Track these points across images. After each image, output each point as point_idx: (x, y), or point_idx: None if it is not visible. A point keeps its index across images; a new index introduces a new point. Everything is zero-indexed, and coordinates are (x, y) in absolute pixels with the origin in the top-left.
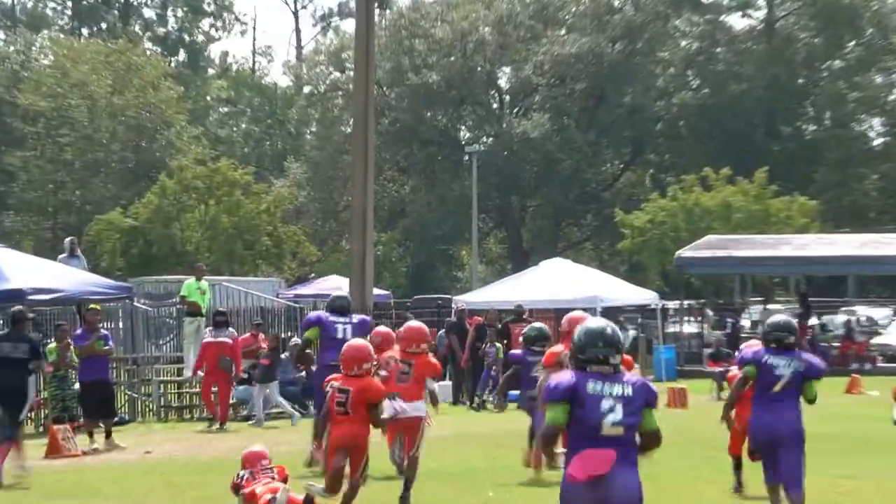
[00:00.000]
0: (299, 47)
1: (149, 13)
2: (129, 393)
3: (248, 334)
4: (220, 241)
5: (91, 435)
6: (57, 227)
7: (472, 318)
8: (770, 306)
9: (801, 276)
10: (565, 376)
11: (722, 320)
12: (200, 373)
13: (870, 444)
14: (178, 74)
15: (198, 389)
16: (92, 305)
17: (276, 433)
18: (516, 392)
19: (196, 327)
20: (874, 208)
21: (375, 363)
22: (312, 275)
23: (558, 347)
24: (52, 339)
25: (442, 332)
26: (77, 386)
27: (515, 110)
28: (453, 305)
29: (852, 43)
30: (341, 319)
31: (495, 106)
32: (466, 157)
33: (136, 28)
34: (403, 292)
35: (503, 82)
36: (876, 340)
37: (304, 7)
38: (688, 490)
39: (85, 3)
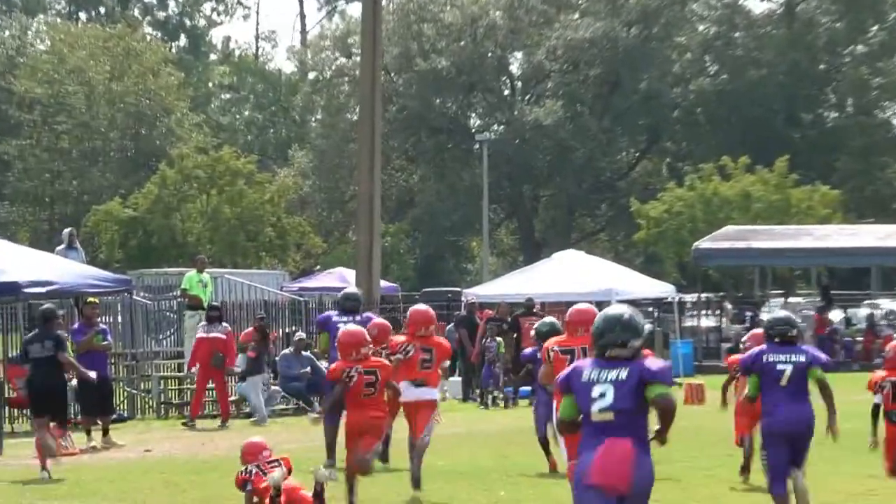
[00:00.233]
0: (304, 32)
1: None
2: (127, 389)
3: (250, 329)
4: (222, 233)
5: (88, 433)
6: (54, 218)
7: (482, 312)
8: (791, 299)
9: (823, 269)
10: (567, 369)
11: (741, 314)
12: (193, 370)
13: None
14: (179, 60)
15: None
16: (90, 299)
17: (280, 428)
18: (528, 388)
19: (197, 321)
20: None
21: (384, 347)
22: (318, 267)
23: (551, 340)
24: None
25: (451, 325)
26: (74, 382)
27: (527, 97)
28: (463, 299)
29: (875, 27)
30: (344, 318)
31: (506, 92)
32: (477, 146)
33: (136, 12)
34: (412, 285)
35: (515, 68)
36: None
37: None
38: (704, 490)
39: None
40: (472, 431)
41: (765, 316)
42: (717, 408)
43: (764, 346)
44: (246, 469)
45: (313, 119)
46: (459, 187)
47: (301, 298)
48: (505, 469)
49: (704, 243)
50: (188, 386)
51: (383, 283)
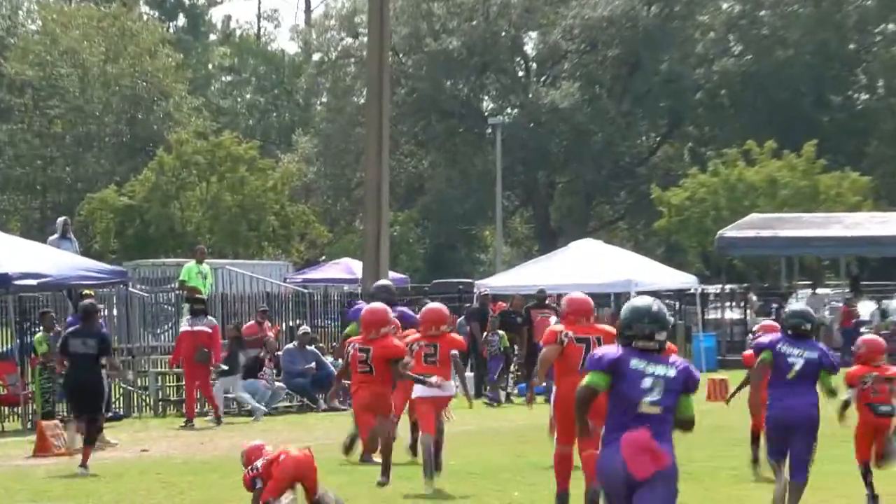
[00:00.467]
0: (308, 11)
1: None
2: (123, 386)
3: (252, 322)
4: (222, 222)
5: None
6: (46, 207)
7: (495, 305)
8: (819, 291)
9: (853, 258)
10: (611, 349)
11: (767, 306)
12: (176, 368)
13: None
14: (177, 41)
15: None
16: (86, 291)
17: (283, 426)
18: (543, 385)
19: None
20: None
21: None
22: (323, 258)
23: (558, 326)
24: (40, 328)
25: (461, 318)
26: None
27: (543, 79)
28: (475, 290)
29: None
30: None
31: (521, 74)
32: (490, 130)
33: None
34: (421, 276)
35: (529, 48)
36: None
37: None
38: (727, 490)
39: None
40: (484, 429)
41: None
42: (742, 405)
43: (780, 336)
44: (252, 467)
45: (318, 102)
46: (471, 173)
47: (305, 290)
48: (519, 468)
49: (728, 232)
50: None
51: (391, 275)
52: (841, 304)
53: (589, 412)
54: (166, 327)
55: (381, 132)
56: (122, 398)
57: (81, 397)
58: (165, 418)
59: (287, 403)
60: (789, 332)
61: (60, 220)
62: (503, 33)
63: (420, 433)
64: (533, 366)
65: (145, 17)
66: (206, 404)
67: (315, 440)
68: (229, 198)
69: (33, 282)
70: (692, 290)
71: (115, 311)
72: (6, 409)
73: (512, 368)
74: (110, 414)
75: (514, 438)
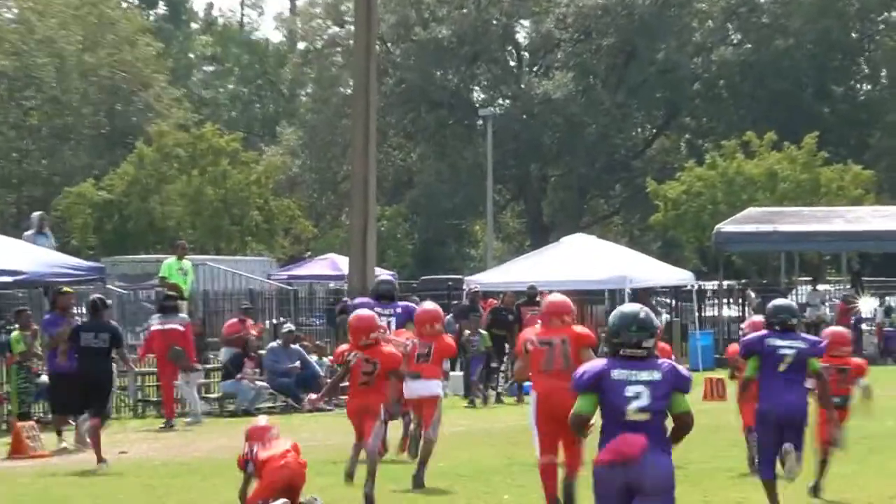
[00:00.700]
0: None
1: None
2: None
3: (234, 320)
4: (204, 216)
5: (60, 433)
6: (21, 201)
7: (485, 301)
8: (820, 287)
9: (855, 254)
10: (593, 365)
11: (765, 303)
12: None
13: None
14: (158, 29)
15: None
16: (65, 289)
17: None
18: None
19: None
20: None
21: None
22: (308, 254)
23: (529, 332)
24: (16, 326)
25: (450, 316)
26: (44, 378)
27: (535, 69)
28: (465, 287)
29: None
30: (386, 311)
31: (512, 64)
32: (480, 122)
33: None
34: (410, 272)
35: (521, 37)
36: None
37: None
38: (725, 493)
39: None
40: (474, 430)
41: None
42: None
43: (766, 332)
44: (249, 449)
45: (303, 93)
46: (461, 166)
47: (290, 287)
48: (509, 471)
49: (726, 227)
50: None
51: (378, 271)
52: (840, 301)
53: (587, 434)
54: (145, 325)
55: (368, 124)
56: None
57: (90, 391)
58: (145, 419)
59: (270, 404)
60: (777, 327)
61: (36, 214)
62: (494, 22)
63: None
64: None
65: (124, 5)
66: (186, 405)
67: (300, 441)
68: (211, 192)
69: (9, 279)
70: (689, 287)
71: None
72: None
73: (503, 368)
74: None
75: (504, 439)
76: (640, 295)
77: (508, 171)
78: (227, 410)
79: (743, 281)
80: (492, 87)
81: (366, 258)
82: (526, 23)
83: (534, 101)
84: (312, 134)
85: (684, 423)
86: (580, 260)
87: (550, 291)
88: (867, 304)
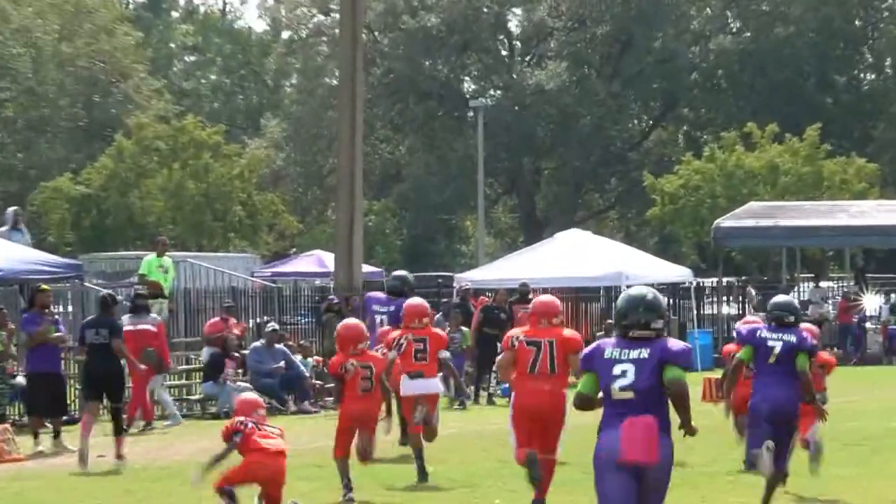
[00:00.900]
0: None
1: None
2: (78, 388)
3: (216, 319)
4: (185, 212)
5: (36, 436)
6: None
7: (477, 299)
8: (822, 284)
9: (859, 249)
10: (590, 346)
11: (766, 300)
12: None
13: None
14: (137, 18)
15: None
16: (43, 286)
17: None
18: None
19: (158, 311)
20: None
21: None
22: (293, 250)
23: (516, 330)
24: None
25: (439, 315)
26: (20, 380)
27: (527, 58)
28: (455, 284)
29: None
30: (382, 309)
31: (504, 53)
32: (471, 113)
33: None
34: (398, 269)
35: (513, 26)
36: None
37: None
38: (725, 498)
39: None
40: (465, 433)
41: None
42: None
43: (762, 325)
44: (241, 421)
45: (288, 84)
46: (451, 159)
47: (274, 285)
48: (501, 475)
49: (726, 222)
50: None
51: (366, 268)
52: (841, 298)
53: (590, 410)
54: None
55: (355, 115)
56: (77, 400)
57: (101, 386)
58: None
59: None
60: (773, 323)
61: (11, 210)
62: (485, 10)
63: (409, 435)
64: None
65: None
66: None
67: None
68: (193, 186)
69: None
70: (687, 284)
71: (69, 308)
72: None
73: (494, 368)
74: (66, 417)
75: (496, 442)
76: None
77: (500, 165)
78: (209, 413)
79: (743, 278)
80: (483, 77)
81: (352, 255)
82: (518, 11)
83: (526, 91)
84: (297, 126)
85: (676, 394)
86: (575, 256)
87: (545, 290)
88: (871, 302)
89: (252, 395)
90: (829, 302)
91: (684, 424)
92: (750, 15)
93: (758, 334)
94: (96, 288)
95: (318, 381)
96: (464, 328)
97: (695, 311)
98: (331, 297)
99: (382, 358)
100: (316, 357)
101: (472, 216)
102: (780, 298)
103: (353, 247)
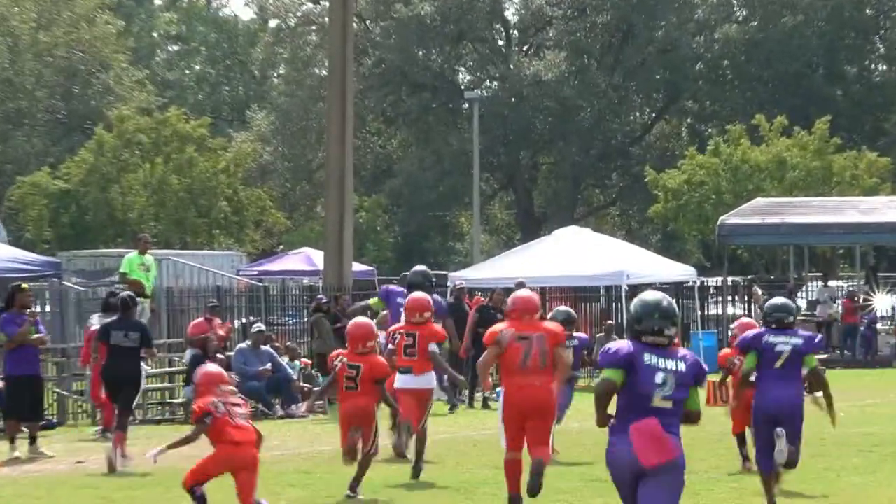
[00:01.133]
0: None
1: None
2: (57, 391)
3: (200, 319)
4: (168, 208)
5: (12, 441)
6: None
7: (471, 299)
8: (831, 283)
9: (870, 247)
10: (624, 344)
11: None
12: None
13: None
14: (118, 6)
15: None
16: (23, 285)
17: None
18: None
19: (139, 311)
20: None
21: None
22: (280, 248)
23: (499, 326)
24: None
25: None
26: None
27: (525, 48)
28: (450, 284)
29: None
30: (403, 302)
31: (501, 43)
32: (466, 105)
33: None
34: (390, 268)
35: (510, 14)
36: None
37: None
38: None
39: None
40: (459, 438)
41: (801, 302)
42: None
43: (763, 329)
44: (213, 403)
45: (275, 75)
46: (446, 153)
47: (261, 284)
48: (497, 481)
49: (731, 218)
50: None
51: (357, 267)
52: (845, 298)
53: (608, 404)
54: (87, 325)
55: (345, 108)
56: (55, 404)
57: (122, 389)
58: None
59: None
60: (773, 325)
61: None
62: None
63: (410, 427)
64: None
65: None
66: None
67: (271, 450)
68: (176, 181)
69: None
70: (691, 283)
71: (47, 308)
72: None
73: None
74: (43, 422)
75: (490, 448)
76: (638, 291)
77: (496, 159)
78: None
79: (749, 277)
80: (478, 67)
81: (342, 252)
82: None
83: (524, 82)
84: (285, 119)
85: (694, 420)
86: (574, 254)
87: (543, 289)
88: (883, 302)
89: (215, 368)
90: (838, 302)
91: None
92: (757, 3)
93: (763, 339)
94: (75, 287)
95: (305, 385)
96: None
97: (699, 312)
98: (320, 296)
99: (380, 362)
100: (304, 359)
101: (467, 212)
102: (777, 301)
103: (343, 244)
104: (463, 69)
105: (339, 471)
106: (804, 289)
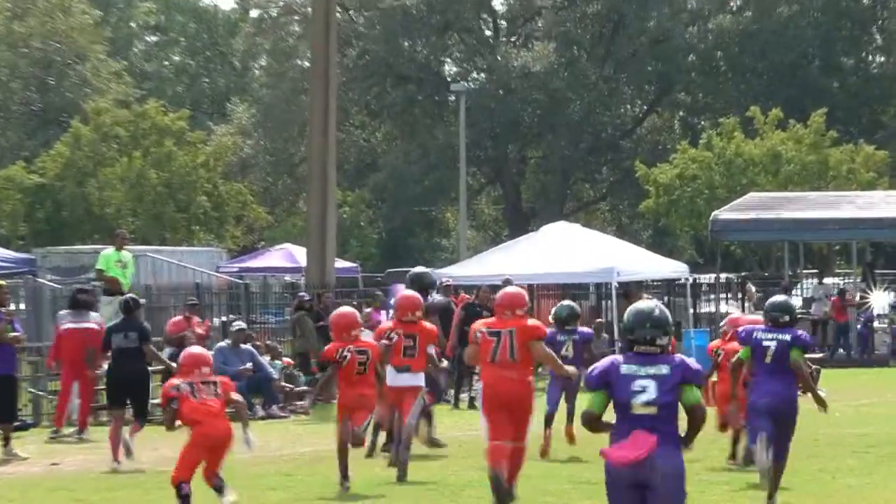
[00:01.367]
0: None
1: None
2: (31, 391)
3: (179, 317)
4: (146, 203)
5: None
6: None
7: (458, 297)
8: (827, 280)
9: (867, 243)
10: (603, 362)
11: (768, 298)
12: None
13: None
14: None
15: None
16: (1, 282)
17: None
18: None
19: (116, 309)
20: None
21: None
22: (261, 244)
23: (478, 323)
24: None
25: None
26: None
27: (513, 39)
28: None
29: None
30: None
31: (488, 34)
32: (452, 98)
33: None
34: (374, 265)
35: (498, 4)
36: None
37: None
38: None
39: None
40: (445, 438)
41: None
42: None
43: (759, 326)
44: (177, 386)
45: (256, 66)
46: (431, 147)
47: (241, 281)
48: (483, 483)
49: (724, 214)
50: (104, 387)
51: (340, 263)
52: (834, 296)
53: (600, 428)
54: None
55: (328, 100)
56: (30, 404)
57: (126, 391)
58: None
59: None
60: (770, 323)
61: None
62: None
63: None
64: None
65: None
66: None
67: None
68: (154, 175)
69: None
70: (683, 280)
71: (22, 305)
72: None
73: (476, 370)
74: (17, 423)
75: (477, 449)
76: (630, 289)
77: (483, 153)
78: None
79: (742, 274)
80: (465, 59)
81: (325, 249)
82: None
83: (512, 74)
84: (266, 111)
85: (696, 416)
86: (563, 250)
87: (531, 286)
88: (880, 300)
89: (200, 350)
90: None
91: (688, 440)
92: None
93: (754, 335)
94: (51, 284)
95: (287, 385)
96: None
97: (691, 310)
98: (302, 293)
99: (376, 345)
100: (286, 358)
101: (454, 208)
102: (776, 299)
103: (326, 240)
104: (449, 60)
105: (320, 473)
106: (799, 286)
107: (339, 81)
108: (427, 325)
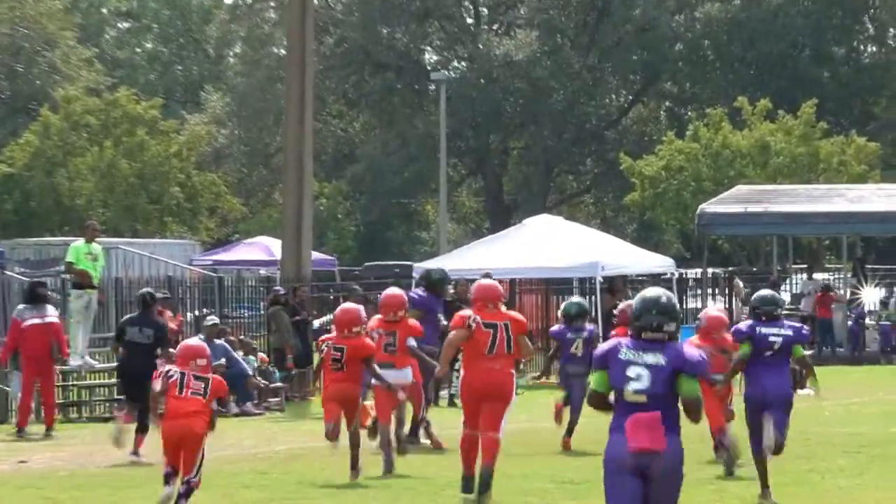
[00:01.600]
0: None
1: None
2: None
3: None
4: (118, 193)
5: None
6: None
7: None
8: (817, 275)
9: (857, 238)
10: (609, 343)
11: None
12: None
13: None
14: None
15: (88, 382)
16: None
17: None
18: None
19: (86, 303)
20: None
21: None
22: (236, 236)
23: (467, 311)
24: None
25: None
26: None
27: (495, 26)
28: (415, 274)
29: None
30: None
31: (469, 21)
32: (432, 87)
33: None
34: (352, 258)
35: None
36: None
37: None
38: None
39: None
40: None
41: (785, 295)
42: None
43: (754, 321)
44: (168, 372)
45: (231, 54)
46: (411, 137)
47: (215, 274)
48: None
49: (711, 207)
50: (75, 383)
51: (316, 256)
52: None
53: (605, 410)
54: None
55: (305, 89)
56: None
57: (137, 385)
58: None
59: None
60: (763, 318)
61: None
62: None
63: (378, 424)
64: None
65: None
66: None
67: (223, 449)
68: (126, 165)
69: None
70: (669, 275)
71: None
72: None
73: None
74: None
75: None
76: (615, 284)
77: (464, 143)
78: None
79: (730, 268)
80: (446, 47)
81: (301, 242)
82: None
83: (493, 63)
84: (241, 100)
85: (689, 409)
86: (546, 244)
87: (513, 280)
88: (870, 295)
89: (197, 342)
90: None
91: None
92: None
93: (757, 330)
94: (19, 277)
95: (262, 381)
96: None
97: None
98: (277, 287)
99: (364, 343)
100: (261, 354)
101: (434, 200)
102: (764, 293)
103: (302, 233)
104: (429, 48)
105: (295, 471)
106: (788, 281)
107: (316, 69)
108: (411, 322)
